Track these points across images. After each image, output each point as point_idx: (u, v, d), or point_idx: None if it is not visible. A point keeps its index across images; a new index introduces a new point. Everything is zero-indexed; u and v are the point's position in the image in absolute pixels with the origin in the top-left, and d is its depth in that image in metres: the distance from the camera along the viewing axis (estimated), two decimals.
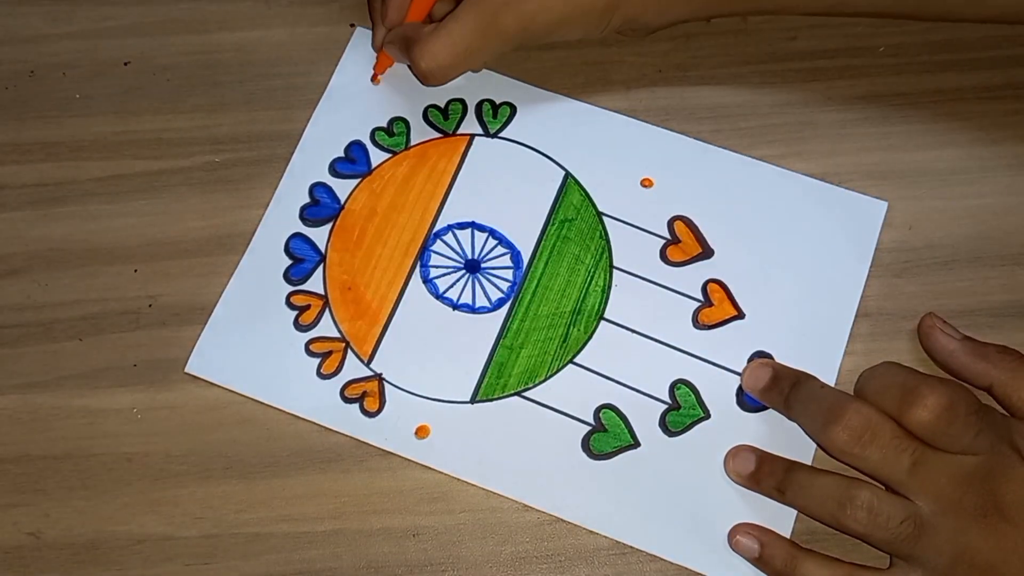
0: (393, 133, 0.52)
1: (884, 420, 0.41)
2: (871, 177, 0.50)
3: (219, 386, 0.47)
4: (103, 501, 0.46)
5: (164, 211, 0.50)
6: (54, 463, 0.46)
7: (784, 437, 0.46)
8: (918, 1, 0.49)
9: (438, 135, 0.52)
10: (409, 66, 0.50)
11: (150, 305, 0.49)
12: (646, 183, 0.50)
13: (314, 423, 0.47)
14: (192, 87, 0.53)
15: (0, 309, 0.49)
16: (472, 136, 0.51)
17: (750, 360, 0.47)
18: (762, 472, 0.44)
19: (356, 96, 0.52)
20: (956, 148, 0.51)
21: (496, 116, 0.52)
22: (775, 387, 0.45)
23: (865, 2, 0.50)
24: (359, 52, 0.53)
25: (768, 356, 0.47)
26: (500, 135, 0.51)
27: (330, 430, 0.47)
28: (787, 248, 0.49)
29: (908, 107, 0.52)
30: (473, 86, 0.52)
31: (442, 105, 0.52)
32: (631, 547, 0.45)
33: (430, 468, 0.46)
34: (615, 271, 0.49)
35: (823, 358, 0.47)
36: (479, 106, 0.52)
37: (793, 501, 0.43)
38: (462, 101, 0.52)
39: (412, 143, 0.51)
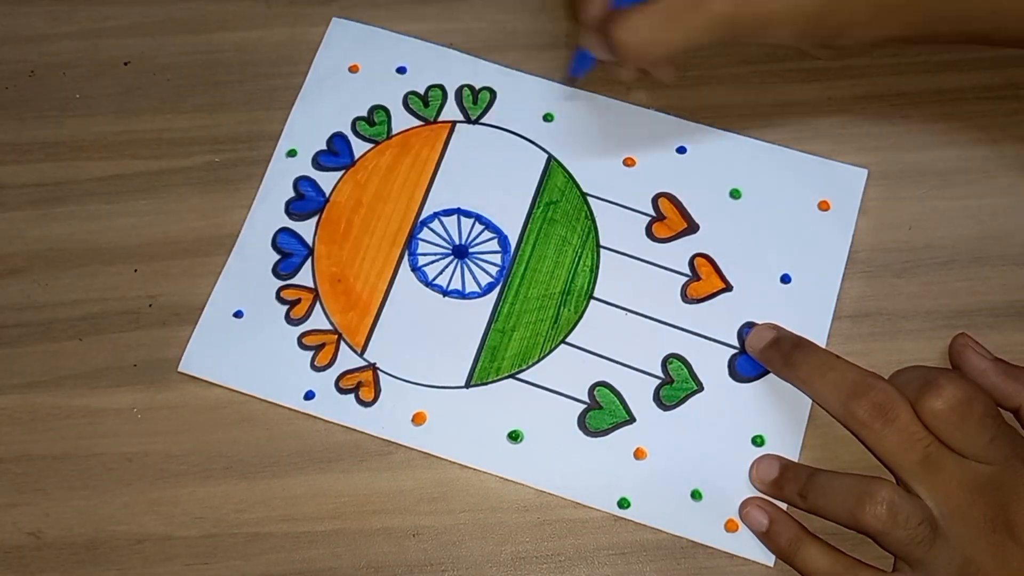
0: (374, 123, 0.52)
1: (905, 403, 0.41)
2: (871, 177, 0.50)
3: (216, 384, 0.47)
4: (103, 501, 0.46)
5: (164, 211, 0.50)
6: (54, 463, 0.46)
7: (777, 404, 0.46)
8: None
9: (419, 123, 0.52)
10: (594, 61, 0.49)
11: (150, 305, 0.49)
12: (628, 162, 0.51)
13: (314, 422, 0.47)
14: (192, 87, 0.53)
15: (0, 309, 0.49)
16: (454, 123, 0.52)
17: (740, 330, 0.48)
18: (785, 478, 0.44)
19: (335, 88, 0.52)
20: (956, 148, 0.51)
21: (476, 102, 0.52)
22: (775, 345, 0.45)
23: None
24: (335, 44, 0.53)
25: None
26: (481, 121, 0.52)
27: (330, 429, 0.47)
28: (771, 219, 0.49)
29: (908, 107, 0.52)
30: (452, 71, 0.52)
31: (422, 92, 0.52)
32: (631, 547, 0.45)
33: (430, 468, 0.46)
34: (602, 250, 0.49)
35: (812, 325, 0.47)
36: (459, 92, 0.52)
37: (814, 503, 0.43)
38: (441, 87, 0.52)
39: (394, 132, 0.51)
